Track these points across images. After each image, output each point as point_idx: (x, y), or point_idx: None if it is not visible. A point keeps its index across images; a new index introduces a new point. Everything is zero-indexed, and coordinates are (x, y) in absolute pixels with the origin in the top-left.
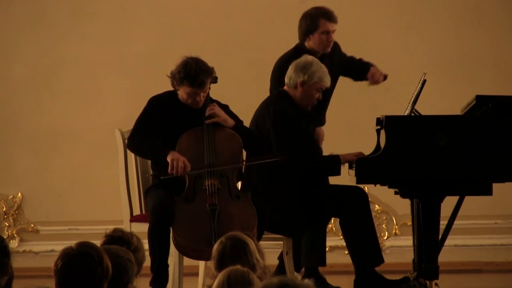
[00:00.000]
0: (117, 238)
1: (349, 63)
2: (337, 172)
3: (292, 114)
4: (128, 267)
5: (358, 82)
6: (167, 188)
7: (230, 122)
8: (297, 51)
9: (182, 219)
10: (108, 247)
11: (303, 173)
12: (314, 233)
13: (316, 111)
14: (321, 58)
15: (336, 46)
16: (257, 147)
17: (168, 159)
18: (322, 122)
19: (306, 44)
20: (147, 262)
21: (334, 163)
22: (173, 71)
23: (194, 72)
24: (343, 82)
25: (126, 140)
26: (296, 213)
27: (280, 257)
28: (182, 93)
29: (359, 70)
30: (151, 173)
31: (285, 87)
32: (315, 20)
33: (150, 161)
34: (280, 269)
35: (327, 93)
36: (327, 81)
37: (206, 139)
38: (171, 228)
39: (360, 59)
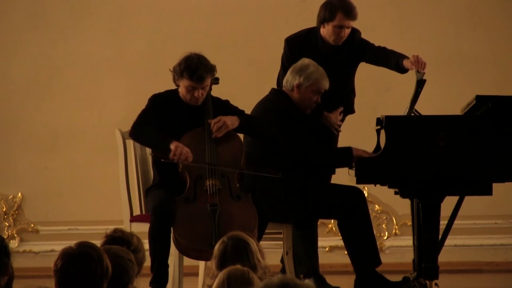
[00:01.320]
0: (117, 238)
1: (376, 52)
2: (349, 163)
3: (291, 110)
4: (128, 268)
5: (358, 82)
6: (167, 188)
7: (236, 122)
8: (310, 33)
9: (182, 219)
10: (109, 247)
11: (310, 167)
12: (305, 243)
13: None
14: (331, 46)
15: (352, 32)
16: (266, 133)
17: (172, 146)
18: (350, 94)
19: (321, 30)
20: (147, 262)
21: (345, 155)
22: (175, 65)
23: (194, 66)
24: None
25: (130, 129)
26: (298, 203)
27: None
28: (181, 87)
29: (390, 58)
30: (151, 153)
31: (283, 89)
32: (333, 12)
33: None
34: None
35: (339, 77)
36: (325, 83)
37: (208, 139)
38: (171, 228)
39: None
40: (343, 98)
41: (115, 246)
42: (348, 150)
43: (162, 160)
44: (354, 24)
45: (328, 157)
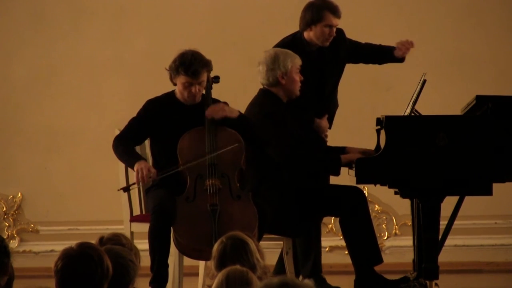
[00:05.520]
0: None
1: (366, 49)
2: (336, 173)
3: (279, 111)
4: (130, 268)
5: (358, 82)
6: (168, 187)
7: (235, 113)
8: (294, 40)
9: (183, 218)
10: (111, 247)
11: (301, 173)
12: (307, 242)
13: (326, 98)
14: (319, 49)
15: (340, 33)
16: (260, 136)
17: (135, 168)
18: (335, 105)
19: (305, 34)
20: (147, 262)
21: (333, 164)
22: (171, 63)
23: (189, 61)
24: (343, 81)
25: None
26: (294, 213)
27: (280, 257)
28: (178, 85)
29: (382, 52)
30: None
31: (267, 87)
32: (320, 12)
33: (151, 161)
34: (279, 269)
35: (333, 82)
36: (298, 59)
37: (208, 138)
38: (171, 228)
39: (379, 45)
40: (330, 104)
41: (117, 246)
42: (337, 159)
43: (130, 189)
44: (351, 25)
45: (315, 162)
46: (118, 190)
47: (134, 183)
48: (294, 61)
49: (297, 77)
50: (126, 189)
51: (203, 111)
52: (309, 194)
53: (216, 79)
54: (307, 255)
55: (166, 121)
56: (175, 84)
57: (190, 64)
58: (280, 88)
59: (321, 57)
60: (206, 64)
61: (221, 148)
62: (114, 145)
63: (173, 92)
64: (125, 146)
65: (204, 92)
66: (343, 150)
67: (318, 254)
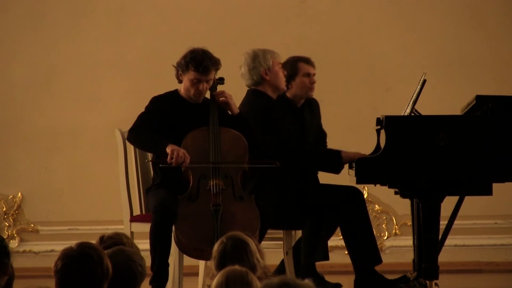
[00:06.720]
0: (112, 245)
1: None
2: (337, 170)
3: (270, 107)
4: (137, 273)
5: (358, 82)
6: (168, 187)
7: (235, 109)
8: (278, 99)
9: (185, 218)
10: (122, 248)
11: (296, 165)
12: (314, 229)
13: None
14: (302, 106)
15: (316, 103)
16: (256, 139)
17: (168, 149)
18: None
19: (288, 94)
20: (148, 261)
21: (334, 160)
22: (179, 59)
23: (200, 57)
24: (343, 81)
25: (127, 133)
26: (292, 206)
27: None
28: (185, 81)
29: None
30: (150, 159)
31: (253, 87)
32: (294, 65)
33: (151, 158)
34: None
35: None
36: (278, 55)
37: (212, 138)
38: (173, 227)
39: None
40: None
41: (129, 248)
42: (337, 154)
43: (161, 165)
44: (351, 25)
45: (315, 158)
46: (147, 161)
47: (167, 163)
48: (274, 56)
49: (280, 72)
50: (157, 163)
51: (207, 110)
52: (308, 194)
53: (221, 80)
54: (315, 243)
55: (171, 118)
56: (180, 82)
57: (201, 60)
58: (266, 84)
59: (303, 111)
60: (216, 62)
61: (224, 154)
62: (132, 136)
63: (176, 91)
64: (146, 133)
65: (208, 92)
66: (338, 153)
67: (325, 242)
